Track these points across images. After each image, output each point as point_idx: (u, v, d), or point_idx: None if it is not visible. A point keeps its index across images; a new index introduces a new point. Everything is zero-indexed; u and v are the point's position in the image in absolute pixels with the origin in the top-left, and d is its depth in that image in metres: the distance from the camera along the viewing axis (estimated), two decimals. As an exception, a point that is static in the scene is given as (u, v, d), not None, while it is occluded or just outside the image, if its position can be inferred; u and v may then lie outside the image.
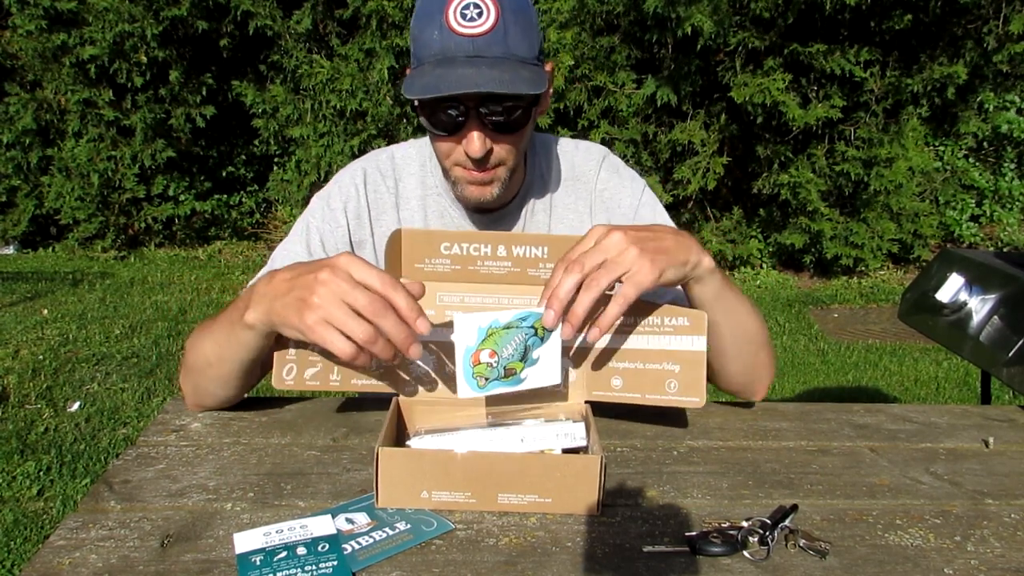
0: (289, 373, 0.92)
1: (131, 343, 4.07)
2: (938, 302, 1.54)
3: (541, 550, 0.74)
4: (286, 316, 0.83)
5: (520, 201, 1.19)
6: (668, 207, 1.41)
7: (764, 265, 5.98)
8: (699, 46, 4.92)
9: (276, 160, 6.21)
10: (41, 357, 3.78)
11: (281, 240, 1.20)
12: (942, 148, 6.02)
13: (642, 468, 0.91)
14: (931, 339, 1.60)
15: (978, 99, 5.66)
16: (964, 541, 0.78)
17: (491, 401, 0.94)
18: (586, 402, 0.94)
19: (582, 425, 0.89)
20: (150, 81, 5.75)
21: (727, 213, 5.93)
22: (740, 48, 4.97)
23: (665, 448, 0.97)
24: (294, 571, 0.69)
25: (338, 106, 5.42)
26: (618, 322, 0.90)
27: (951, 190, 5.85)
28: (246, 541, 0.74)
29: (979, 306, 1.45)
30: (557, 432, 0.87)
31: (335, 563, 0.70)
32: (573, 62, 5.15)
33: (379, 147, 1.43)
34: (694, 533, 0.76)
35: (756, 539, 0.75)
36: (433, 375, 0.95)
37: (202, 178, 6.41)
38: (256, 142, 6.19)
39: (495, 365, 0.85)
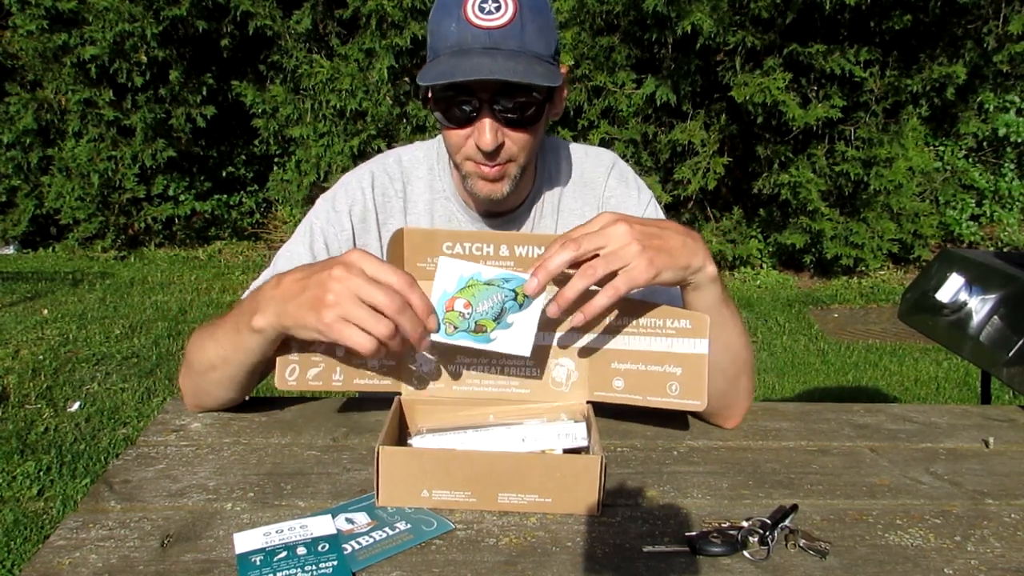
0: (292, 374, 0.92)
1: (131, 343, 4.07)
2: (938, 302, 1.54)
3: (541, 550, 0.74)
4: (301, 317, 0.82)
5: (528, 206, 1.19)
6: (668, 207, 1.41)
7: (764, 265, 5.98)
8: (699, 45, 4.92)
9: (276, 160, 6.20)
10: (41, 357, 3.78)
11: (281, 240, 1.20)
12: (942, 148, 6.02)
13: (642, 468, 0.91)
14: (931, 339, 1.60)
15: (978, 99, 5.65)
16: (964, 541, 0.78)
17: (493, 401, 0.94)
18: (588, 402, 0.94)
19: (583, 425, 0.89)
20: (150, 81, 5.75)
21: (727, 213, 5.92)
22: (740, 48, 4.97)
23: (665, 448, 0.97)
24: (294, 571, 0.69)
25: (338, 106, 5.42)
26: (610, 317, 0.90)
27: (951, 190, 5.85)
28: (246, 541, 0.74)
29: (979, 306, 1.45)
30: (558, 432, 0.88)
31: (335, 563, 0.70)
32: (573, 62, 5.16)
33: (379, 147, 1.43)
34: (694, 533, 0.76)
35: (756, 539, 0.75)
36: (435, 373, 0.95)
37: (202, 178, 6.41)
38: (256, 142, 6.19)
39: (467, 316, 0.85)
